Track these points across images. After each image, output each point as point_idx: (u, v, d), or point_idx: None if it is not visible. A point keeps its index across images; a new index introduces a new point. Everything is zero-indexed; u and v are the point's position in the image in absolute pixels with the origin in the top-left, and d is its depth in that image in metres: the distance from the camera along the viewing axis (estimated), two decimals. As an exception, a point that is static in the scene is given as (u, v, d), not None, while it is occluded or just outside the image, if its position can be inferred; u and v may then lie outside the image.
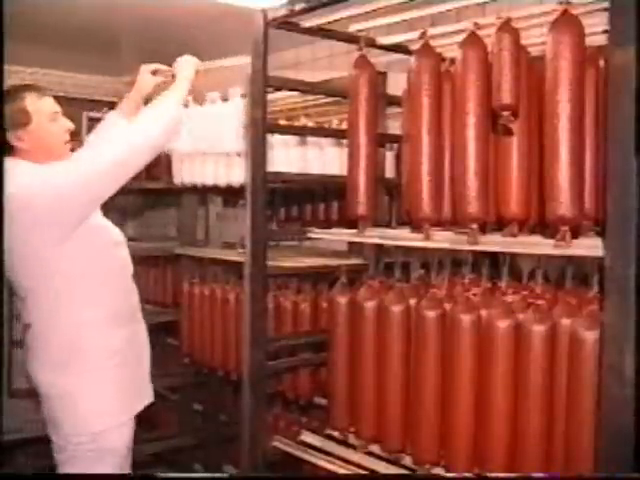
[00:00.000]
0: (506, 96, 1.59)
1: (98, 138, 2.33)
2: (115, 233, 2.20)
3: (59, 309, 2.05)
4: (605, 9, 1.46)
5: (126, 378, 2.16)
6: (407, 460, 1.87)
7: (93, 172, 2.04)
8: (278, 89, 2.40)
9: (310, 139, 3.00)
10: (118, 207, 3.97)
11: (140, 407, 2.21)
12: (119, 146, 2.10)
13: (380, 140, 2.22)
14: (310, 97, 2.91)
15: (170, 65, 2.42)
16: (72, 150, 2.19)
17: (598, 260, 1.39)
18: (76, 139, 2.25)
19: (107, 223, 2.19)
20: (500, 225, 1.70)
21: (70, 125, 2.18)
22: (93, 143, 2.29)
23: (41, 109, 2.11)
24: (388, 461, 1.90)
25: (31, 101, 2.10)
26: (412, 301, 1.87)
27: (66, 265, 2.03)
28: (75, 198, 2.01)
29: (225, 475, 3.23)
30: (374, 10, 1.90)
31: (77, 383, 2.07)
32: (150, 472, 3.43)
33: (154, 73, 2.53)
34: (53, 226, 1.99)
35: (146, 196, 4.15)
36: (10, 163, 2.05)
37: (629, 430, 1.27)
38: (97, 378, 2.09)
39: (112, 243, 2.18)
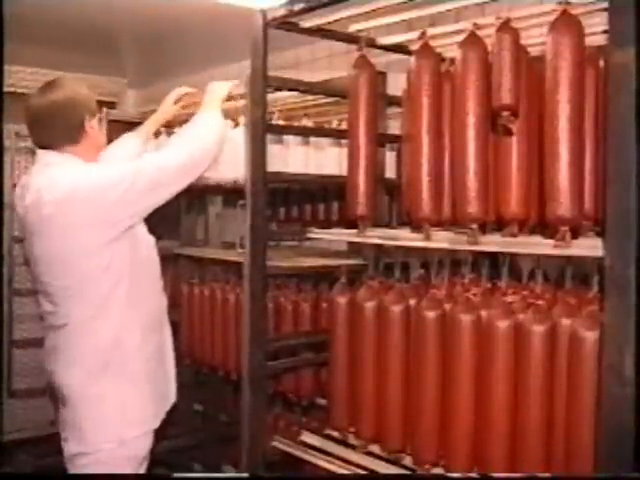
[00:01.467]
0: (506, 96, 1.59)
1: (116, 156, 2.33)
2: (150, 237, 2.16)
3: (102, 311, 1.98)
4: (604, 9, 1.45)
5: (158, 384, 2.13)
6: (407, 460, 1.87)
7: (156, 177, 2.00)
8: (278, 89, 2.40)
9: (310, 139, 3.00)
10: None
11: (165, 412, 2.19)
12: (180, 153, 2.07)
13: (380, 140, 2.22)
14: (310, 97, 2.91)
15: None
16: None
17: (598, 260, 1.40)
18: None
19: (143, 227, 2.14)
20: (500, 225, 1.71)
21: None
22: (110, 159, 2.27)
23: (97, 109, 2.10)
24: (388, 461, 1.90)
25: (94, 99, 2.09)
26: (412, 301, 1.87)
27: (113, 265, 1.97)
28: (135, 201, 1.97)
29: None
30: (374, 10, 1.90)
31: (113, 388, 2.00)
32: (150, 472, 3.43)
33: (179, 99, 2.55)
34: (106, 225, 1.94)
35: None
36: (61, 158, 1.99)
37: (629, 430, 1.27)
38: (133, 384, 2.04)
39: (151, 246, 2.15)
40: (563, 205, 1.48)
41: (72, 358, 2.03)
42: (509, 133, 1.65)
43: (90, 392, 2.00)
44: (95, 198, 1.93)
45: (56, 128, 2.00)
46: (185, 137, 2.13)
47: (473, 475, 1.71)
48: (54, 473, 2.12)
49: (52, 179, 1.96)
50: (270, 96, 2.22)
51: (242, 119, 2.72)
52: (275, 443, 2.17)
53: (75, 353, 2.02)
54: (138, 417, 2.06)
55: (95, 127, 2.06)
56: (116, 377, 2.01)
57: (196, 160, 2.09)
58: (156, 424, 2.13)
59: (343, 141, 2.65)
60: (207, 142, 2.13)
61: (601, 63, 1.60)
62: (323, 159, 2.95)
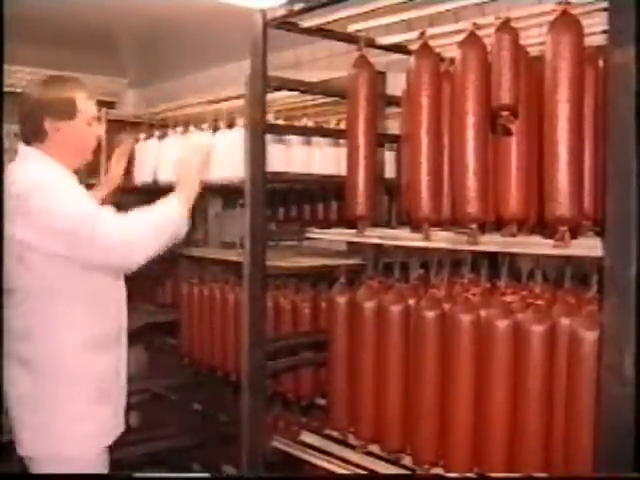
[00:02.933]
0: (505, 96, 1.59)
1: None
2: None
3: (44, 319, 1.99)
4: (604, 9, 1.45)
5: (106, 406, 2.12)
6: (407, 460, 1.87)
7: (90, 236, 1.95)
8: (277, 89, 2.40)
9: (309, 139, 3.00)
10: (120, 206, 3.98)
11: (113, 438, 2.17)
12: (126, 232, 2.00)
13: (379, 140, 2.22)
14: (309, 97, 2.91)
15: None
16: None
17: (597, 260, 1.40)
18: None
19: None
20: (499, 225, 1.70)
21: (101, 133, 2.22)
22: None
23: (86, 110, 2.12)
24: (387, 461, 1.90)
25: (81, 98, 2.10)
26: (411, 301, 1.87)
27: (49, 277, 1.98)
28: (67, 242, 1.95)
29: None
30: (373, 10, 1.90)
31: (53, 402, 2.02)
32: (148, 472, 3.44)
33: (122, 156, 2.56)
34: (47, 237, 1.94)
35: (147, 195, 4.16)
36: (33, 153, 2.05)
37: (629, 430, 1.27)
38: (74, 403, 2.04)
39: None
40: (562, 205, 1.48)
41: (14, 360, 2.03)
42: (508, 133, 1.65)
43: (31, 402, 2.01)
44: (44, 208, 1.93)
45: (24, 125, 2.10)
46: (140, 221, 2.05)
47: (473, 475, 1.71)
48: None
49: (21, 173, 2.02)
50: (269, 96, 2.22)
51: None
52: (275, 443, 2.17)
53: (19, 356, 2.02)
54: (79, 437, 2.05)
55: (64, 129, 2.07)
56: (56, 391, 2.02)
57: (133, 249, 2.01)
58: (101, 447, 2.12)
59: (341, 141, 2.65)
60: (153, 238, 2.05)
61: (600, 63, 1.60)
62: (321, 159, 2.95)
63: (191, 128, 3.15)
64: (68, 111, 2.07)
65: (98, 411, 2.09)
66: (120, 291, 2.20)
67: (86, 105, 2.12)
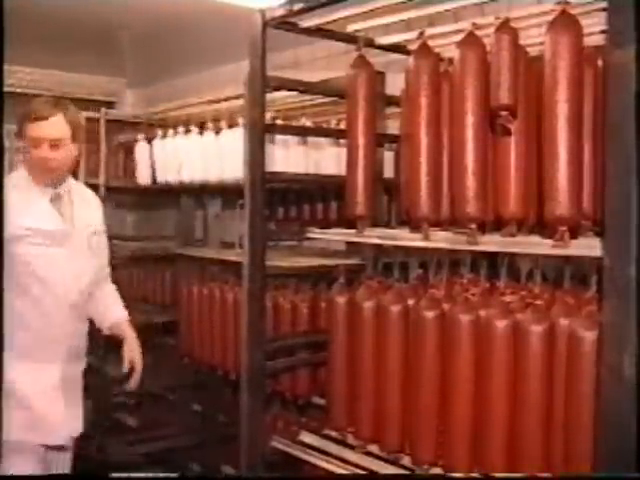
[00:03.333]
0: (505, 96, 1.59)
1: None
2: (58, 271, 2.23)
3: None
4: (603, 9, 1.45)
5: (20, 410, 2.17)
6: (406, 460, 1.87)
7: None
8: (277, 89, 2.40)
9: (308, 139, 3.00)
10: (119, 205, 3.99)
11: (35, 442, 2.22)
12: None
13: (379, 140, 2.22)
14: (308, 97, 2.91)
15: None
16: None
17: (596, 260, 1.40)
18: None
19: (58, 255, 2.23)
20: (499, 225, 1.70)
21: (46, 156, 2.22)
22: None
23: (26, 133, 2.22)
24: (387, 461, 1.90)
25: (27, 122, 2.22)
26: (411, 301, 1.87)
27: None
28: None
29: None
30: (372, 10, 1.90)
31: None
32: (148, 472, 3.44)
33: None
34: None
35: (145, 195, 4.17)
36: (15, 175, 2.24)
37: (629, 430, 1.27)
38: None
39: (42, 280, 2.22)
40: (562, 204, 1.48)
41: None
42: (508, 133, 1.65)
43: None
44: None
45: None
46: None
47: (473, 475, 1.71)
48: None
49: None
50: (269, 96, 2.22)
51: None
52: (274, 443, 2.17)
53: None
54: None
55: (21, 149, 2.24)
56: None
57: None
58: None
59: (342, 141, 2.65)
60: None
61: (599, 63, 1.60)
62: (322, 159, 2.95)
63: (191, 128, 3.15)
64: (20, 130, 2.23)
65: (13, 411, 2.12)
66: (44, 313, 2.25)
67: (28, 127, 2.21)
